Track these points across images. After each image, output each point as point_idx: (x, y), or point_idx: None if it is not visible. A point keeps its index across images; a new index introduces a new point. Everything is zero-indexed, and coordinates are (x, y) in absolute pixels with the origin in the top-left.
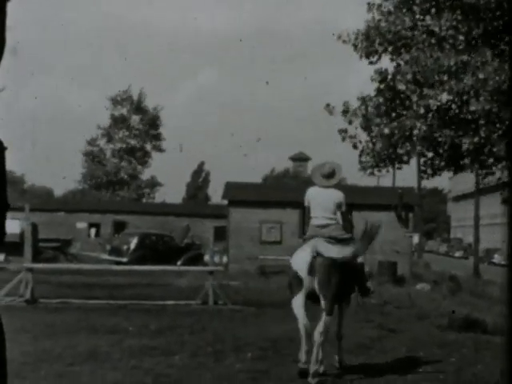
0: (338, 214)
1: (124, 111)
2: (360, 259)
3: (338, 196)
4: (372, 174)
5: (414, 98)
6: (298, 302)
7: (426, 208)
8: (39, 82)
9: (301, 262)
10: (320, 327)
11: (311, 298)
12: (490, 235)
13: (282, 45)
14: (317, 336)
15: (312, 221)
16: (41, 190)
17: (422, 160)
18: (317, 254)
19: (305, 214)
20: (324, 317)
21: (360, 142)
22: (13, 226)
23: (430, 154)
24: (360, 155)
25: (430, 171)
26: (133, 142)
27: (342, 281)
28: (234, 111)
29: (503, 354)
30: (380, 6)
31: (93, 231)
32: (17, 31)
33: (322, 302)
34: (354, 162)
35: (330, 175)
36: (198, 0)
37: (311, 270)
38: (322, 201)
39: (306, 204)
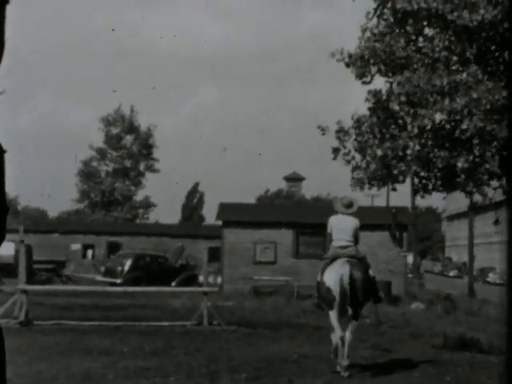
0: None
1: (117, 131)
2: (371, 273)
3: (355, 223)
4: (363, 187)
5: (408, 120)
6: (334, 315)
7: (421, 227)
8: (34, 101)
9: (332, 279)
10: (350, 330)
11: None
12: (485, 254)
13: (278, 63)
14: (348, 337)
15: (333, 242)
16: (35, 211)
17: (416, 180)
18: (346, 273)
19: (326, 237)
20: (352, 322)
21: (353, 158)
22: (7, 247)
23: (424, 174)
24: (352, 171)
25: (422, 193)
26: (126, 162)
27: (364, 292)
28: (228, 131)
29: (503, 371)
30: (375, 27)
31: (89, 252)
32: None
33: (350, 311)
34: (348, 182)
35: (350, 205)
36: (197, 17)
37: (341, 286)
38: (342, 226)
39: (328, 230)
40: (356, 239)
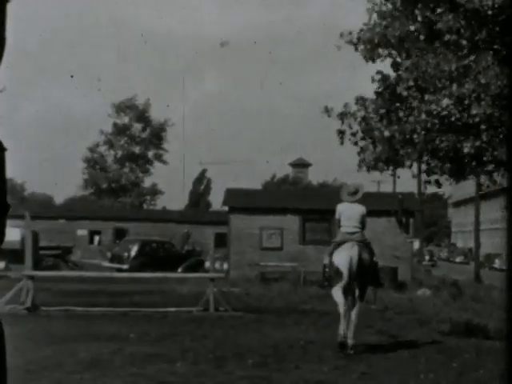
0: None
1: (126, 119)
2: (374, 259)
3: (361, 210)
4: (372, 169)
5: (415, 103)
6: (338, 291)
7: (427, 213)
8: (41, 87)
9: (342, 260)
10: (356, 310)
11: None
12: (491, 240)
13: (284, 48)
14: (354, 317)
15: (342, 228)
16: (41, 197)
17: (425, 167)
18: (354, 255)
19: (333, 223)
20: (358, 302)
21: (361, 139)
22: (13, 233)
23: (432, 163)
24: (359, 154)
25: (433, 180)
26: (135, 149)
27: (369, 275)
28: (235, 117)
29: (504, 358)
30: (382, 9)
31: (96, 238)
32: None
33: (357, 291)
34: (354, 167)
35: (355, 192)
36: (202, 4)
37: (350, 267)
38: (350, 213)
39: (337, 216)
40: (363, 225)
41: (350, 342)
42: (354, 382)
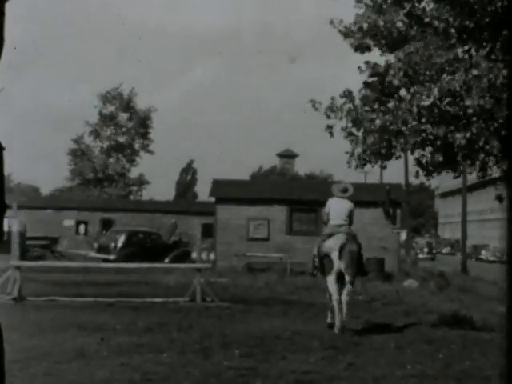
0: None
1: (112, 109)
2: (361, 251)
3: (350, 205)
4: (364, 165)
5: (407, 96)
6: (331, 280)
7: (414, 204)
8: (27, 78)
9: (332, 247)
10: (346, 293)
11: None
12: (478, 231)
13: (272, 41)
14: (344, 299)
15: (331, 221)
16: (28, 188)
17: (414, 160)
18: (343, 245)
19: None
20: (348, 286)
21: (349, 134)
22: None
23: (423, 153)
24: (351, 145)
25: (422, 173)
26: (121, 139)
27: (356, 265)
28: (222, 107)
29: (503, 355)
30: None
31: (82, 228)
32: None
33: (347, 277)
34: (341, 158)
35: (345, 190)
36: None
37: (340, 255)
38: (339, 208)
39: (326, 210)
40: (350, 220)
41: (338, 323)
42: (341, 372)
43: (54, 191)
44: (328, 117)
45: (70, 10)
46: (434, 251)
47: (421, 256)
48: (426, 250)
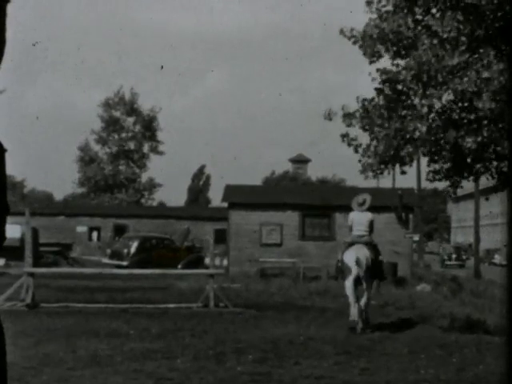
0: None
1: (117, 114)
2: (380, 257)
3: (369, 217)
4: (375, 175)
5: (417, 100)
6: (349, 284)
7: (427, 209)
8: (41, 84)
9: (350, 259)
10: (365, 298)
11: (355, 282)
12: (491, 235)
13: (285, 44)
14: (363, 303)
15: (353, 232)
16: (41, 194)
17: (427, 169)
18: (361, 254)
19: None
20: (366, 292)
21: (360, 145)
22: (13, 230)
23: (434, 162)
24: (362, 155)
25: (433, 177)
26: (129, 144)
27: (373, 271)
28: (235, 113)
29: (504, 356)
30: (379, 5)
31: (95, 234)
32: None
33: (364, 284)
34: (354, 163)
35: (363, 203)
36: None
37: (358, 263)
38: (359, 220)
39: (349, 223)
40: (371, 229)
41: (359, 325)
42: (354, 377)
43: (67, 197)
44: (349, 125)
45: (81, 12)
46: (464, 257)
47: (448, 263)
48: (454, 255)
